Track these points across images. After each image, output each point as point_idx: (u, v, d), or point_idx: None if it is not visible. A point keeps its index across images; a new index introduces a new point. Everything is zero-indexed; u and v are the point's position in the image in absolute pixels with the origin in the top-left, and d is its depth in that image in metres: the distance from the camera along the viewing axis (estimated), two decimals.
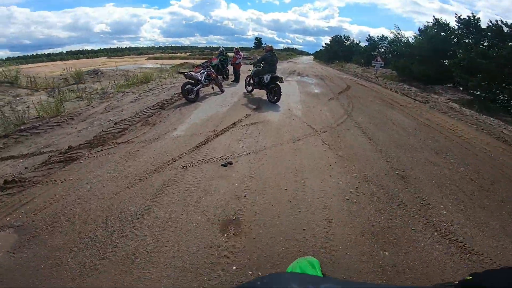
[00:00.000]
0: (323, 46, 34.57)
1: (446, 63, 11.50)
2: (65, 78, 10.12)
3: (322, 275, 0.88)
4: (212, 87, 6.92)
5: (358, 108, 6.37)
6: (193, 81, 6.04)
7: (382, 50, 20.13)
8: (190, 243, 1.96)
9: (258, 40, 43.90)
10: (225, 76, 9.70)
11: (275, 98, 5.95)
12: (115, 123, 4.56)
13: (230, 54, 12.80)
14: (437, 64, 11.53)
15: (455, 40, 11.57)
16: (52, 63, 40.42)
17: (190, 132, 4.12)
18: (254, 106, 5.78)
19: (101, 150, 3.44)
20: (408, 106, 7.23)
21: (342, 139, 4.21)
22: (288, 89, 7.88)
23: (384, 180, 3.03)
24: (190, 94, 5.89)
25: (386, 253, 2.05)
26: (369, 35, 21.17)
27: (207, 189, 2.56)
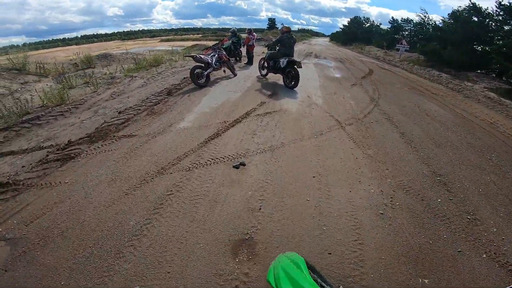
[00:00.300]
0: (340, 28, 32.20)
1: (479, 49, 10.30)
2: (76, 63, 9.86)
3: (309, 275, 0.82)
4: (224, 71, 6.40)
5: (385, 95, 5.67)
6: (203, 65, 5.54)
7: (406, 33, 18.34)
8: (195, 269, 1.63)
9: (271, 21, 41.34)
10: (237, 59, 9.06)
11: (293, 83, 5.37)
12: (119, 112, 4.24)
13: (243, 36, 11.98)
14: (469, 49, 10.32)
15: (493, 25, 10.23)
16: (67, 47, 40.61)
17: (198, 123, 3.73)
18: (269, 92, 5.25)
19: (102, 145, 3.14)
20: (440, 94, 6.40)
21: (371, 133, 3.67)
22: (306, 72, 7.19)
23: (423, 189, 2.54)
24: (199, 79, 5.42)
25: (426, 280, 1.68)
26: (392, 18, 19.26)
27: (216, 199, 2.20)
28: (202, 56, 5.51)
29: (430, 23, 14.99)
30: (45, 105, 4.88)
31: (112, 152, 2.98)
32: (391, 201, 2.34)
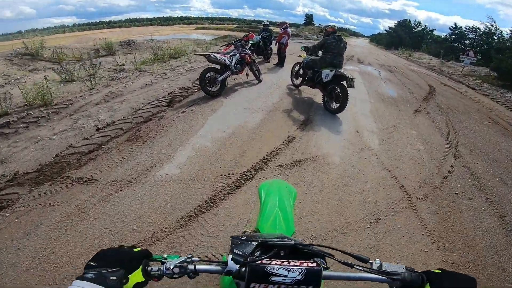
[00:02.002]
0: (385, 30, 28.44)
1: None
2: (97, 49, 9.01)
3: (293, 205, 0.93)
4: (247, 74, 4.88)
5: (463, 135, 3.82)
6: (218, 67, 4.10)
7: (468, 42, 15.05)
8: None
9: (309, 17, 38.10)
10: (266, 57, 7.45)
11: (337, 107, 3.74)
12: (98, 129, 3.03)
13: (276, 30, 10.24)
14: None
15: None
16: (111, 30, 41.58)
17: (190, 171, 2.35)
18: (301, 118, 3.68)
19: (46, 192, 2.04)
20: None
21: (456, 219, 2.11)
22: None
23: None
24: (211, 86, 4.01)
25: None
26: (455, 24, 15.90)
27: None
28: (218, 56, 4.03)
29: (499, 33, 11.87)
30: (28, 104, 3.87)
31: (54, 208, 1.89)
32: None
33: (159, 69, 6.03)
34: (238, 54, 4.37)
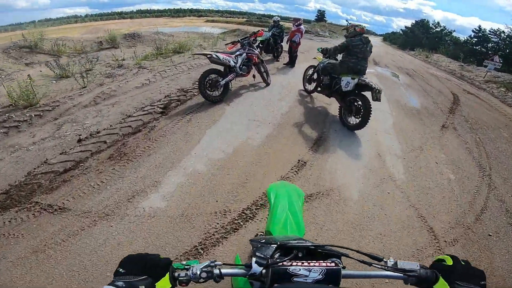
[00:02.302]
0: (401, 30, 27.03)
1: None
2: (101, 42, 8.60)
3: (302, 207, 0.93)
4: (254, 76, 4.35)
5: (496, 158, 3.35)
6: (221, 69, 3.63)
7: (490, 45, 13.96)
8: None
9: (321, 13, 36.62)
10: (275, 55, 6.89)
11: (356, 122, 3.20)
12: (79, 140, 2.64)
13: (287, 26, 9.61)
14: None
15: None
16: (122, 21, 41.07)
17: (178, 205, 1.95)
18: (314, 134, 3.18)
19: (10, 221, 1.73)
20: None
21: (488, 267, 1.81)
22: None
23: None
24: (212, 90, 3.55)
25: None
26: (479, 26, 14.76)
27: None
28: (222, 56, 3.54)
29: None
30: (14, 104, 3.51)
31: (18, 241, 1.61)
32: None
33: (160, 66, 5.59)
34: (244, 54, 3.88)
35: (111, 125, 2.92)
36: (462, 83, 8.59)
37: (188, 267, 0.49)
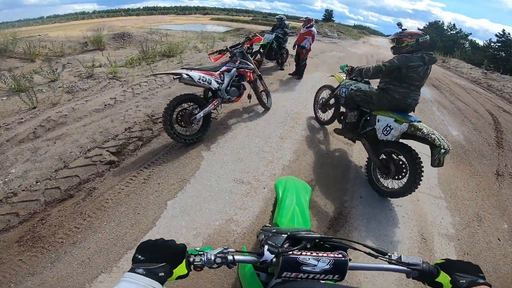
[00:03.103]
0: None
1: None
2: (86, 43, 7.42)
3: (309, 202, 0.93)
4: (249, 96, 3.09)
5: None
6: (201, 92, 2.44)
7: None
8: None
9: (328, 13, 34.63)
10: (280, 61, 5.64)
11: (397, 189, 1.96)
12: None
13: (294, 25, 8.30)
14: None
15: None
16: (128, 17, 39.92)
17: None
18: (330, 207, 1.98)
19: None
20: None
21: None
22: None
23: None
24: (185, 126, 2.36)
25: None
26: (503, 31, 13.13)
27: None
28: (198, 75, 2.29)
29: None
30: None
31: None
32: None
33: (137, 76, 4.42)
34: (234, 70, 2.65)
35: (37, 181, 1.82)
36: (492, 96, 7.21)
37: (202, 253, 0.49)
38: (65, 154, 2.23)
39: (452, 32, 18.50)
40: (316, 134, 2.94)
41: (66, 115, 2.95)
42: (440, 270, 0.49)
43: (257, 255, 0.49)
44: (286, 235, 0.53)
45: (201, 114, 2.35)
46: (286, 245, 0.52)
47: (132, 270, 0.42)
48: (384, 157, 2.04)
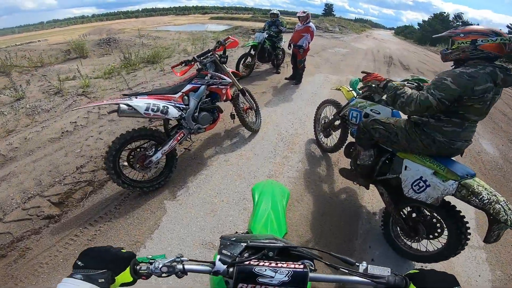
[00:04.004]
0: (418, 24, 23.84)
1: None
2: (69, 50, 6.82)
3: (285, 206, 0.87)
4: (232, 116, 2.41)
5: None
6: (154, 129, 1.78)
7: None
8: None
9: (328, 7, 33.04)
10: (275, 63, 4.90)
11: (431, 253, 1.30)
12: None
13: (290, 20, 7.50)
14: None
15: None
16: (128, 20, 39.25)
17: None
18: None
19: None
20: None
21: None
22: None
23: None
24: (141, 169, 1.69)
25: None
26: None
27: None
28: (144, 104, 1.60)
29: None
30: None
31: None
32: None
33: (110, 89, 3.78)
34: (203, 87, 1.95)
35: None
36: (511, 96, 6.31)
37: (152, 261, 0.47)
38: (6, 202, 1.69)
39: (458, 23, 17.18)
40: (317, 167, 2.22)
41: (17, 147, 2.36)
42: (409, 282, 0.44)
43: (211, 264, 0.46)
44: (245, 244, 0.49)
45: (159, 155, 1.69)
46: (246, 254, 0.48)
47: (70, 276, 0.40)
48: (411, 214, 1.37)
